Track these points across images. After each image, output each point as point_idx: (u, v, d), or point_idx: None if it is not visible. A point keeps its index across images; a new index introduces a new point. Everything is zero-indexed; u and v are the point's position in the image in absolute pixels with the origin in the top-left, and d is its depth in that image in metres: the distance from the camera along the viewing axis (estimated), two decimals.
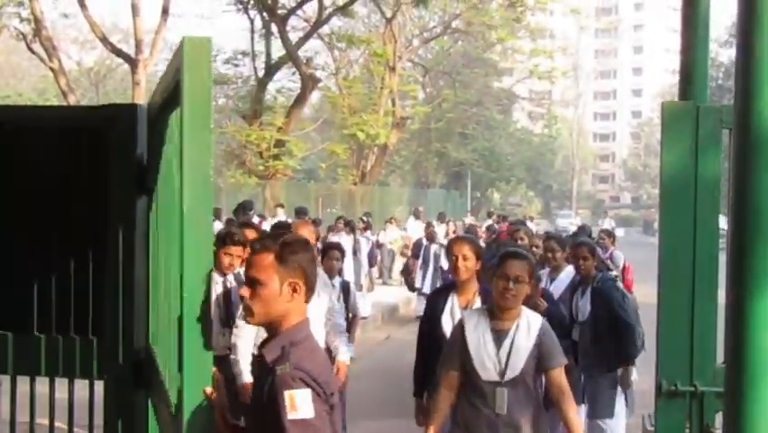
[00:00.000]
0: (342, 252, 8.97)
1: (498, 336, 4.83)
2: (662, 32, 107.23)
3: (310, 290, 3.10)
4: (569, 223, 52.99)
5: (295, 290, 3.03)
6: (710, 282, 4.11)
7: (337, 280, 8.39)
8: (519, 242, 9.94)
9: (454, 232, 22.04)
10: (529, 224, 19.64)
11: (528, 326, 4.85)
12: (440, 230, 22.84)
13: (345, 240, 16.56)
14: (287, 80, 34.82)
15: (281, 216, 19.54)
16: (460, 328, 4.96)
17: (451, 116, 49.95)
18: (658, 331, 4.15)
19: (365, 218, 21.22)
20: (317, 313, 6.30)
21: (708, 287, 4.10)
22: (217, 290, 6.73)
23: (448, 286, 6.05)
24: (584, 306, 7.43)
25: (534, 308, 6.08)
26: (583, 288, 7.56)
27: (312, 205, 29.62)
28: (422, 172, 56.62)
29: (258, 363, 3.13)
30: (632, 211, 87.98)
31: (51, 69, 24.41)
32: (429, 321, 5.91)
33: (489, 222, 25.28)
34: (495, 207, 53.30)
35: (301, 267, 3.05)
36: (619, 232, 40.06)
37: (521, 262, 4.81)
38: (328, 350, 6.66)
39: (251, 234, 7.35)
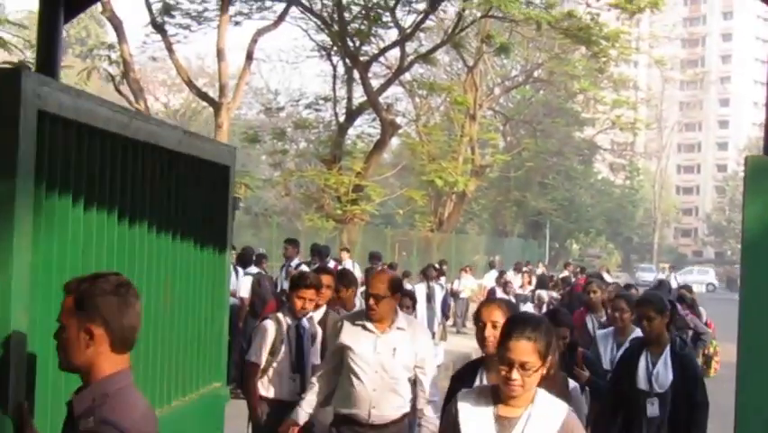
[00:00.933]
0: (414, 299, 8.86)
1: (504, 427, 3.64)
2: (749, 85, 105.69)
3: (121, 340, 2.79)
4: (652, 277, 51.74)
5: (92, 338, 2.75)
6: None
7: None
8: (592, 295, 9.68)
9: (529, 282, 21.80)
10: (606, 276, 19.29)
11: (547, 415, 3.66)
12: (516, 280, 22.63)
13: (419, 287, 16.46)
14: (367, 126, 35.10)
15: (347, 261, 19.30)
16: (453, 414, 3.79)
17: (531, 165, 49.77)
18: (737, 392, 3.99)
19: (437, 265, 21.09)
20: (400, 365, 5.67)
21: None
22: (289, 334, 6.58)
23: (476, 362, 4.90)
24: (664, 375, 6.25)
25: (573, 379, 5.32)
26: (655, 352, 6.32)
27: (388, 250, 29.62)
28: (500, 221, 56.38)
29: (68, 409, 2.86)
30: (715, 266, 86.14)
31: (137, 111, 24.95)
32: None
33: (565, 273, 24.93)
34: (573, 259, 52.65)
35: (102, 313, 2.75)
36: (701, 287, 39.03)
37: (529, 343, 3.51)
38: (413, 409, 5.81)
39: (327, 279, 7.28)
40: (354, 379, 5.66)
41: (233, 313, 12.49)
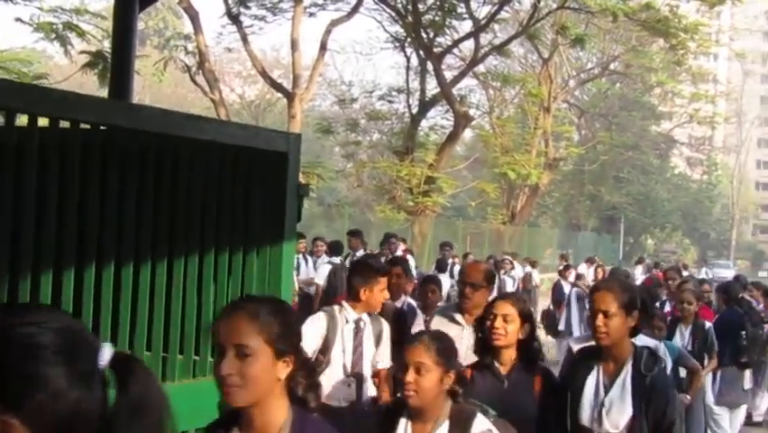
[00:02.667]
0: (440, 286, 8.52)
1: None
2: None
3: None
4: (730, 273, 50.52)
5: None
6: None
7: None
8: (671, 282, 9.12)
9: (603, 276, 21.51)
10: (684, 272, 18.93)
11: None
12: (589, 273, 22.36)
13: None
14: (440, 118, 35.03)
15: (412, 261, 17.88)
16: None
17: (605, 159, 49.20)
18: None
19: (509, 259, 20.94)
20: None
21: None
22: (344, 332, 5.65)
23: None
24: (619, 407, 4.10)
25: None
26: (609, 371, 4.17)
27: (459, 242, 29.52)
28: (573, 215, 55.79)
29: None
30: None
31: (212, 101, 25.21)
32: None
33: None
34: (648, 254, 51.74)
35: None
36: None
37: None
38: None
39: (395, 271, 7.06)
40: None
41: (310, 301, 12.59)
